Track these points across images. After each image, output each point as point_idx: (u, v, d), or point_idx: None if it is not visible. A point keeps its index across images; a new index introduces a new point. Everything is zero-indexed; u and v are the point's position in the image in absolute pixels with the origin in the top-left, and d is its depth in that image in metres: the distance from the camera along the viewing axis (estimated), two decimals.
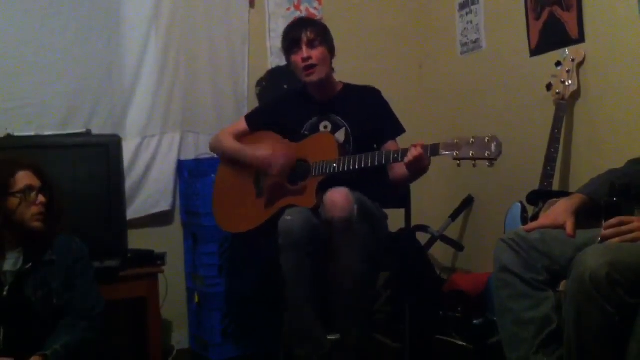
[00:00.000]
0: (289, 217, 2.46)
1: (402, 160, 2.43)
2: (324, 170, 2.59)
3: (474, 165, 2.27)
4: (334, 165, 2.56)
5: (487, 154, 2.23)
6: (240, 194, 2.81)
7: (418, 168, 2.44)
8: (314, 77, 2.74)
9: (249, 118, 2.95)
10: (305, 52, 2.71)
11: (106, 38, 3.23)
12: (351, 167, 2.53)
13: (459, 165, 2.30)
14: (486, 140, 2.24)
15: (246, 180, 2.81)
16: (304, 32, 2.72)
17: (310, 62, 2.71)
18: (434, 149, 2.36)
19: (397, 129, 2.83)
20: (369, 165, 2.50)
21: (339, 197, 2.40)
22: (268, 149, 2.71)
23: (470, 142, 2.27)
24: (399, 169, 2.59)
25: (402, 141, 2.82)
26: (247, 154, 2.79)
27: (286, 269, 2.47)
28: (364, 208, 2.47)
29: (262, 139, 2.84)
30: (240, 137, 2.89)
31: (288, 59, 2.82)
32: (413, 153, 2.38)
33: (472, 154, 2.26)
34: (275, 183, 2.69)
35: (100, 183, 2.80)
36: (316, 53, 2.72)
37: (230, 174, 2.88)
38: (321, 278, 2.49)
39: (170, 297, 3.15)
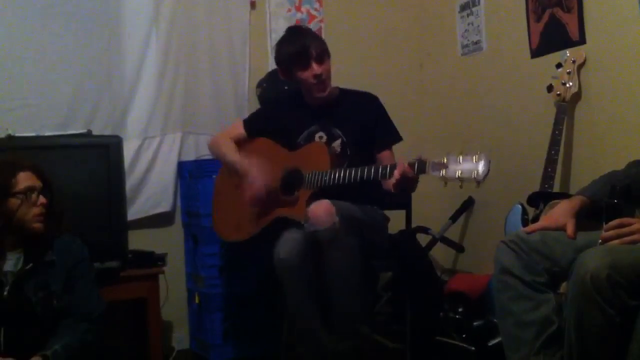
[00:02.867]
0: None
1: (389, 177, 2.40)
2: (315, 183, 2.57)
3: (461, 187, 2.22)
4: (325, 178, 2.55)
5: (474, 175, 2.15)
6: (237, 200, 2.75)
7: (404, 187, 2.41)
8: (326, 93, 2.72)
9: (246, 124, 2.90)
10: (316, 68, 2.66)
11: (107, 39, 3.23)
12: (340, 181, 2.51)
13: (445, 185, 2.24)
14: (474, 159, 2.16)
15: (241, 187, 2.76)
16: (311, 46, 2.67)
17: (322, 78, 2.68)
18: (421, 168, 2.30)
19: (393, 138, 2.80)
20: (357, 180, 2.48)
21: (320, 210, 2.40)
22: (256, 173, 2.66)
23: (459, 160, 2.19)
24: (387, 184, 2.53)
25: (402, 144, 2.82)
26: (243, 167, 2.73)
27: (283, 279, 2.48)
28: (349, 219, 2.44)
29: (258, 149, 2.79)
30: (238, 142, 2.85)
31: (289, 71, 2.73)
32: (397, 175, 2.35)
33: (459, 175, 2.18)
34: (269, 193, 2.66)
35: (101, 184, 2.81)
36: (326, 67, 2.69)
37: (228, 179, 2.85)
38: (322, 278, 2.49)
39: (171, 298, 3.16)
